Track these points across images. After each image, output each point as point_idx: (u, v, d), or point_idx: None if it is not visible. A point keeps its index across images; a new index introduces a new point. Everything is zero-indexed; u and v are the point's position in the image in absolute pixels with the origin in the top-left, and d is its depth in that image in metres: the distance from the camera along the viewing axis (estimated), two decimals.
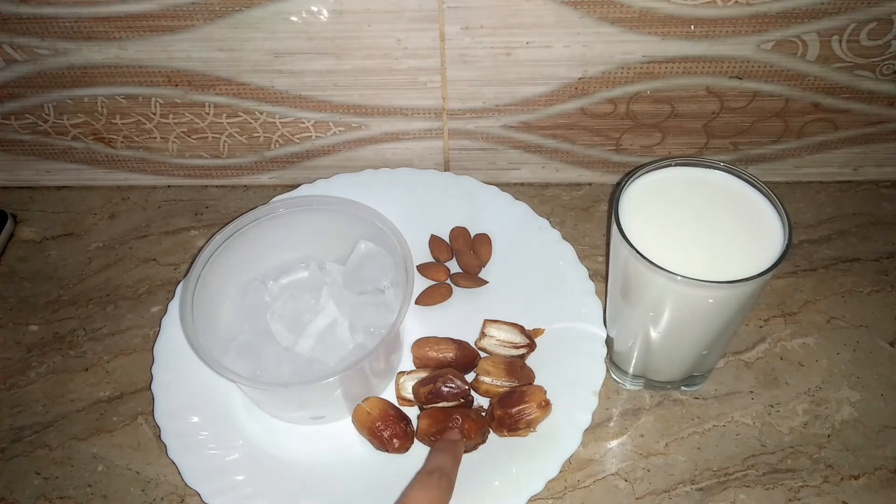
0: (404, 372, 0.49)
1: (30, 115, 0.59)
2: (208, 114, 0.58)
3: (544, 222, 0.57)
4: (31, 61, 0.55)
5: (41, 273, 0.59)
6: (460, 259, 0.55)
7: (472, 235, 0.57)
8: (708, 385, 0.50)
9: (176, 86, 0.56)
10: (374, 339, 0.48)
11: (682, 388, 0.50)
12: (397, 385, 0.48)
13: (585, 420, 0.46)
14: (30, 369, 0.53)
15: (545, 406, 0.45)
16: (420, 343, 0.49)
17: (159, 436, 0.47)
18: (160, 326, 0.51)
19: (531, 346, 0.50)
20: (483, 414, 0.47)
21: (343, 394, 0.46)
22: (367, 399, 0.46)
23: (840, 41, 0.52)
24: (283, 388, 0.45)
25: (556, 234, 0.56)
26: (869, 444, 0.47)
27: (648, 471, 0.46)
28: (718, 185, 0.43)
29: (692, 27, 0.51)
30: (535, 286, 0.53)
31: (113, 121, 0.59)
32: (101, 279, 0.58)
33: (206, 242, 0.49)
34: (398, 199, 0.56)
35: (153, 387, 0.49)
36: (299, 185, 0.60)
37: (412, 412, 0.48)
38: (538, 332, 0.51)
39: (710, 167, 0.44)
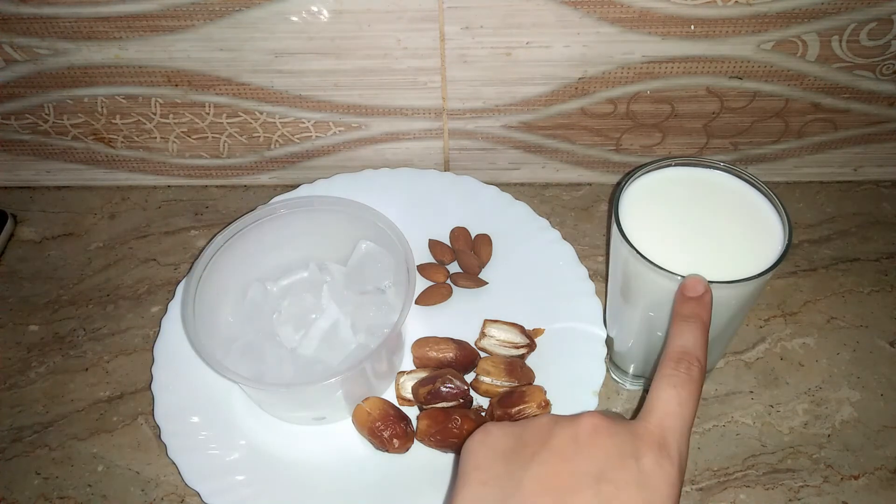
0: (404, 372, 0.49)
1: (30, 115, 0.59)
2: (208, 114, 0.58)
3: (544, 222, 0.57)
4: (31, 61, 0.55)
5: (41, 273, 0.59)
6: (461, 259, 0.55)
7: (473, 236, 0.57)
8: (708, 385, 0.50)
9: (176, 86, 0.56)
10: (377, 339, 0.48)
11: None
12: (397, 385, 0.48)
13: None
14: (30, 369, 0.53)
15: (545, 406, 0.45)
16: (420, 343, 0.49)
17: (159, 436, 0.47)
18: (160, 326, 0.51)
19: (531, 346, 0.50)
20: (483, 414, 0.47)
21: (345, 394, 0.46)
22: (367, 399, 0.46)
23: (840, 41, 0.52)
24: (286, 389, 0.45)
25: (556, 234, 0.56)
26: (869, 444, 0.47)
27: None
28: (718, 185, 0.43)
29: (692, 27, 0.51)
30: (535, 286, 0.53)
31: (113, 121, 0.59)
32: (101, 279, 0.58)
33: (207, 243, 0.49)
34: (398, 199, 0.56)
35: (153, 387, 0.49)
36: (299, 186, 0.60)
37: (412, 412, 0.48)
38: (538, 332, 0.51)
39: (710, 167, 0.44)
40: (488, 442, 0.33)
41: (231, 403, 0.49)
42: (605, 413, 0.33)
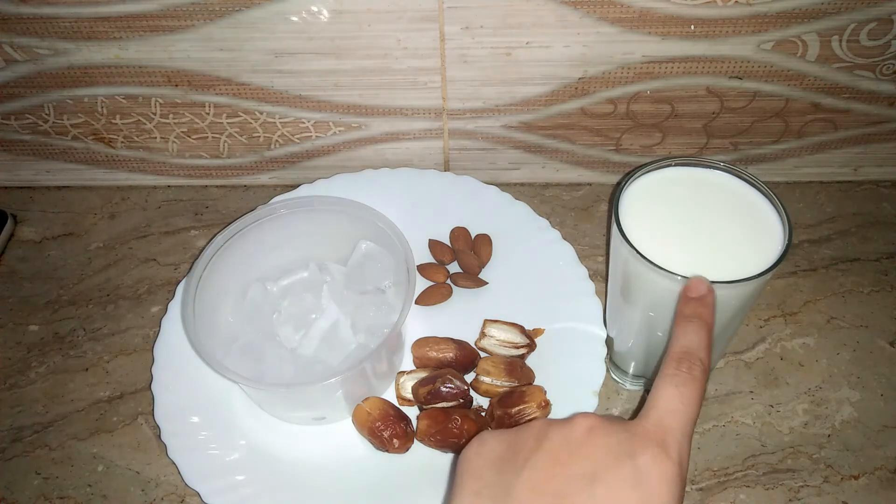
0: (404, 372, 0.49)
1: (30, 115, 0.59)
2: (208, 114, 0.58)
3: (544, 222, 0.57)
4: (31, 61, 0.55)
5: (41, 273, 0.59)
6: (461, 259, 0.55)
7: (473, 236, 0.57)
8: (708, 385, 0.50)
9: (176, 86, 0.56)
10: (377, 339, 0.48)
11: None
12: (397, 385, 0.48)
13: None
14: (30, 369, 0.53)
15: (545, 406, 0.45)
16: (420, 343, 0.49)
17: (159, 436, 0.47)
18: (160, 326, 0.51)
19: (531, 346, 0.50)
20: (483, 414, 0.47)
21: (345, 394, 0.46)
22: (367, 399, 0.46)
23: (840, 41, 0.52)
24: (286, 389, 0.45)
25: (556, 234, 0.56)
26: (869, 444, 0.47)
27: None
28: (718, 185, 0.43)
29: (692, 27, 0.51)
30: (535, 286, 0.53)
31: (113, 121, 0.59)
32: (101, 279, 0.58)
33: (207, 243, 0.49)
34: (398, 200, 0.56)
35: (153, 387, 0.49)
36: (299, 186, 0.60)
37: (412, 412, 0.48)
38: (538, 332, 0.51)
39: (710, 167, 0.44)
40: (483, 451, 0.33)
41: (231, 403, 0.49)
42: (602, 415, 0.33)
